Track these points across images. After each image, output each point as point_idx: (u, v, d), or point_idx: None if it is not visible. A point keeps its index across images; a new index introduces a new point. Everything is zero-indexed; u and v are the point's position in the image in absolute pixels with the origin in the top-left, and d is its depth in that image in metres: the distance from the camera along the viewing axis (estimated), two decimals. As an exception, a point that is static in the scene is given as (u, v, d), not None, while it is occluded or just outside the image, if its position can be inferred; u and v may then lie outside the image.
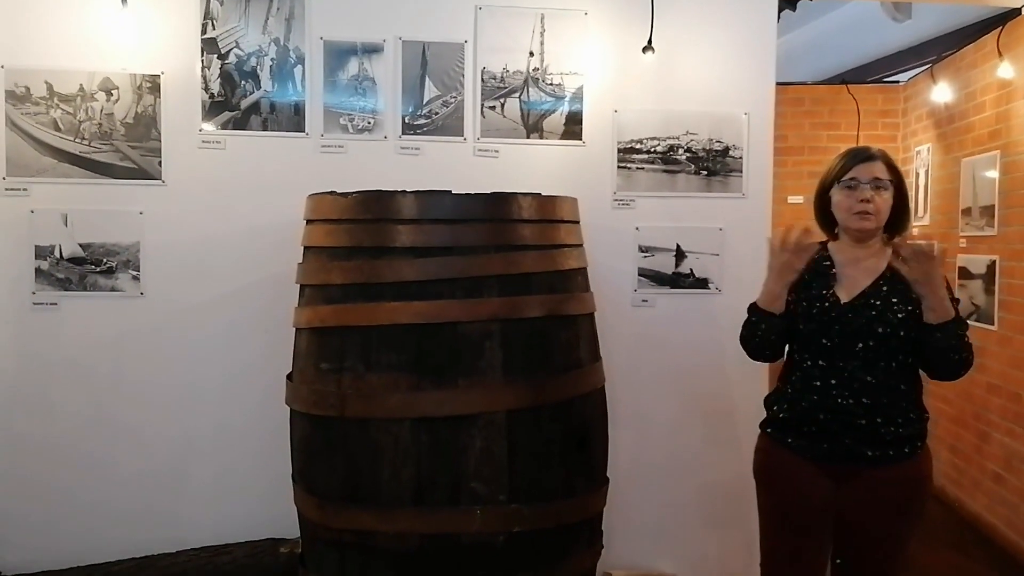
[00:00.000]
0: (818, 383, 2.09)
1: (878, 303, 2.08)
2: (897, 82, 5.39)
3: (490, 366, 2.31)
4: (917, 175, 5.08)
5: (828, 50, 5.29)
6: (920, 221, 5.01)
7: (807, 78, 5.48)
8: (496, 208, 2.38)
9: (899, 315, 2.06)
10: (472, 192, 2.39)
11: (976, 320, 4.20)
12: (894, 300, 2.08)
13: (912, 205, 5.09)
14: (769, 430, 2.22)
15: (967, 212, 4.30)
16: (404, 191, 2.34)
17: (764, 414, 2.29)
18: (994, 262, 3.99)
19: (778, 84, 3.24)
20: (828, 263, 2.19)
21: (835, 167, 2.17)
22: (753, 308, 2.19)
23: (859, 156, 2.14)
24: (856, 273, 2.15)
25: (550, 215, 2.48)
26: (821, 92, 5.43)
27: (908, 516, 2.11)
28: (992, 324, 4.03)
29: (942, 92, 4.54)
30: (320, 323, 2.41)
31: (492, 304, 2.32)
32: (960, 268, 4.35)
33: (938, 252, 1.96)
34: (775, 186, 3.29)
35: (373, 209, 2.35)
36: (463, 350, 2.30)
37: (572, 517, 2.44)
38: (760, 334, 2.18)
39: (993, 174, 4.01)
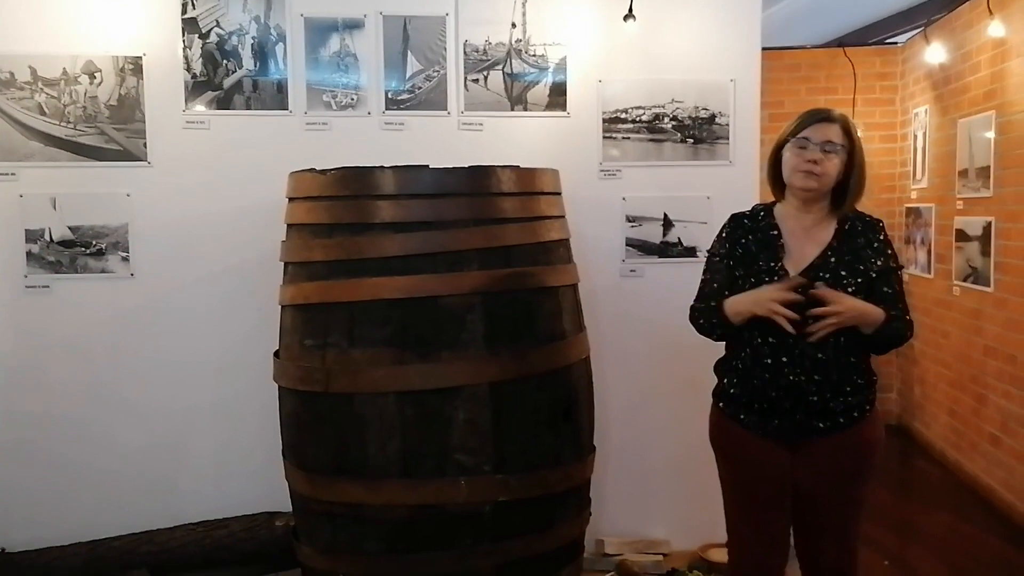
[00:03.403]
0: (769, 360, 2.05)
1: (827, 276, 2.04)
2: (896, 44, 5.31)
3: (473, 339, 2.33)
4: (915, 137, 5.03)
5: (828, 13, 5.18)
6: (918, 184, 4.97)
7: (807, 42, 5.39)
8: (476, 182, 2.39)
9: (848, 289, 2.03)
10: (455, 166, 2.39)
11: (973, 282, 4.18)
12: (843, 273, 2.05)
13: (911, 168, 5.11)
14: (721, 404, 2.20)
15: (963, 174, 4.26)
16: (383, 167, 2.35)
17: None
18: (990, 224, 3.97)
19: (773, 49, 3.21)
20: (775, 232, 2.14)
21: (792, 125, 2.13)
22: (717, 311, 2.11)
23: (816, 116, 2.10)
24: (803, 244, 2.11)
25: (530, 187, 2.48)
26: (818, 56, 5.35)
27: (859, 480, 2.12)
28: (988, 286, 4.01)
29: (937, 53, 4.48)
30: (304, 300, 2.44)
31: (473, 277, 2.33)
32: (957, 231, 4.33)
33: (827, 294, 1.97)
34: (767, 153, 3.25)
35: (353, 186, 2.36)
36: (446, 323, 2.32)
37: (558, 486, 2.47)
38: (716, 333, 2.16)
39: (989, 135, 3.97)
